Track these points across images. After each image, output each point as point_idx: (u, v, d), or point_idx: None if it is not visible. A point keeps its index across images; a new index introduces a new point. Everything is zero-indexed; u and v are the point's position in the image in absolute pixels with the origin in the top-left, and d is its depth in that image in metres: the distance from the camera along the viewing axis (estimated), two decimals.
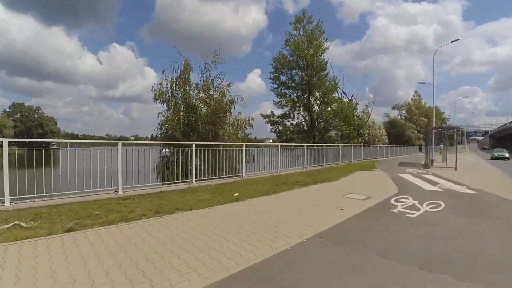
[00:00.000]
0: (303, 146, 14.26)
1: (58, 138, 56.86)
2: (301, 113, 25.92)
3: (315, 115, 24.47)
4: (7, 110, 65.99)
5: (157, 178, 9.66)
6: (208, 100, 17.19)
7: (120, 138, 41.20)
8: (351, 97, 32.43)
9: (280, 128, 26.51)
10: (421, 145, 33.40)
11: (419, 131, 58.22)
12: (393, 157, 27.12)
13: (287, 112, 25.59)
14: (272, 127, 27.01)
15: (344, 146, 17.88)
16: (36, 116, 66.86)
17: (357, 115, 32.39)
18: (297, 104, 25.57)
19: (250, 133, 18.35)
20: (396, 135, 57.06)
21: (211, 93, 17.48)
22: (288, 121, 26.51)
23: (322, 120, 25.37)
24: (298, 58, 24.40)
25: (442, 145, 21.21)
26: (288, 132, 25.67)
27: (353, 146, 18.80)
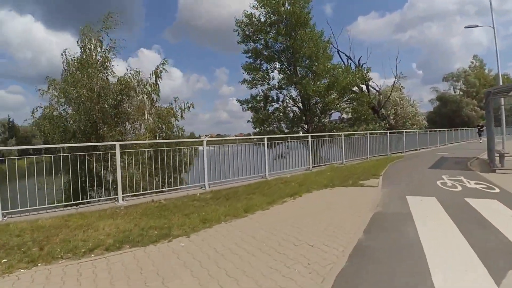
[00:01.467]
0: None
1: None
2: (284, 92, 18.36)
3: (305, 93, 16.66)
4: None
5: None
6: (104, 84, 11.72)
7: None
8: (359, 60, 22.92)
9: (260, 116, 19.07)
10: (481, 126, 22.26)
11: (482, 107, 44.71)
12: (437, 148, 17.87)
13: (264, 93, 18.16)
14: (255, 115, 19.79)
15: (321, 136, 10.09)
16: None
17: (376, 88, 23.08)
18: (282, 81, 18.10)
19: (183, 129, 12.46)
20: (449, 115, 44.70)
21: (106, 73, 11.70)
22: (272, 105, 19.11)
23: (319, 100, 17.35)
24: (273, 17, 16.90)
25: None
26: (270, 120, 18.34)
27: (345, 135, 10.86)
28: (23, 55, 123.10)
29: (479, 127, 22.80)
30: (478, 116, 43.30)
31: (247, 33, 18.14)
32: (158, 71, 13.36)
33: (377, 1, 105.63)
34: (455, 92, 47.45)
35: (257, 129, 18.13)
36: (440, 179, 6.98)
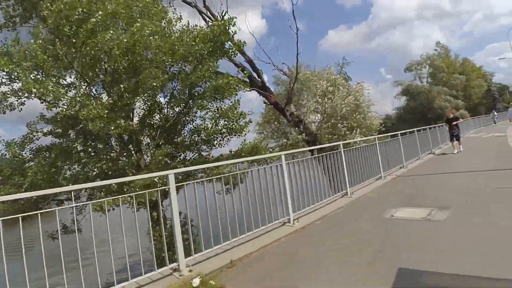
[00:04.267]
0: None
1: None
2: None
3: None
4: None
5: None
6: None
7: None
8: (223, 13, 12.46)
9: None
10: (454, 120, 11.80)
11: (456, 96, 37.22)
12: (401, 174, 8.41)
13: None
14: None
15: None
16: None
17: (283, 71, 13.04)
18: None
19: None
20: (420, 110, 36.88)
21: None
22: None
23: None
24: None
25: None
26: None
27: None
28: None
29: (451, 122, 11.18)
30: (452, 106, 35.69)
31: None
32: None
33: (344, 15, 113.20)
34: (421, 82, 40.05)
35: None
36: None
